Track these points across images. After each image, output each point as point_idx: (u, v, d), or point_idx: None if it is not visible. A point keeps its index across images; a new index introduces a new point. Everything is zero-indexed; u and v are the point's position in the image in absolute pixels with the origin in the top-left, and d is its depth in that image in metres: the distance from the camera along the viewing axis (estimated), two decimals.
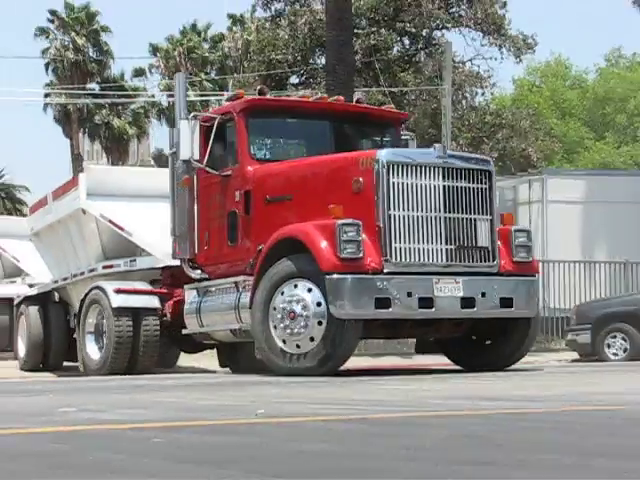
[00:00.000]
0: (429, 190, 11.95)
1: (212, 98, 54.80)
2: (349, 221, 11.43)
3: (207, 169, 13.34)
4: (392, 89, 36.71)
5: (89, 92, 69.13)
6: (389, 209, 11.67)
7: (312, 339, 11.53)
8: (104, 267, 16.39)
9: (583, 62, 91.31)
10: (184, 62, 63.89)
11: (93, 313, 15.52)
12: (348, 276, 11.35)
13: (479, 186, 12.35)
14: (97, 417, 7.21)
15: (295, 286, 11.68)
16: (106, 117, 70.87)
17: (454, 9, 38.69)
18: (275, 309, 11.81)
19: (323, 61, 34.37)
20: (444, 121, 32.55)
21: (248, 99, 13.79)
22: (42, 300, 19.19)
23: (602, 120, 57.18)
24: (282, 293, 11.74)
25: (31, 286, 22.98)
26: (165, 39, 66.50)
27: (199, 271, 13.86)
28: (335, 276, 11.32)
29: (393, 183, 11.75)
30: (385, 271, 11.47)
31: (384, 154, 12.03)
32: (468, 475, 4.20)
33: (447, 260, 11.99)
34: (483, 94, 41.60)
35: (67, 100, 66.66)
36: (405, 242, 11.69)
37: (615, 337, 21.99)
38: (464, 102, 39.98)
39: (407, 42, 39.85)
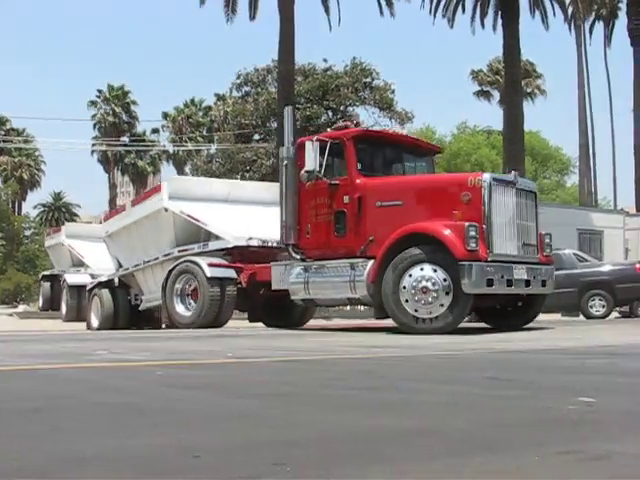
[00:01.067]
0: (509, 203, 11.64)
1: (203, 148, 54.30)
2: (472, 223, 10.94)
3: (324, 178, 12.43)
4: None
5: (122, 143, 68.84)
6: (490, 216, 11.24)
7: (442, 305, 10.92)
8: (179, 251, 15.31)
9: (443, 129, 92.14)
10: (185, 124, 63.51)
11: (181, 281, 14.62)
12: (473, 263, 10.86)
13: (531, 202, 12.15)
14: (121, 357, 7.08)
15: (422, 269, 11.01)
16: (133, 159, 70.94)
17: (361, 93, 38.83)
18: (405, 287, 11.09)
19: (275, 125, 34.19)
20: None
21: (357, 130, 13.09)
22: (109, 285, 18.32)
23: (455, 167, 57.59)
24: (410, 275, 11.06)
25: (93, 276, 22.16)
26: (173, 108, 66.12)
27: (297, 254, 12.96)
28: (465, 262, 10.80)
29: (492, 197, 11.30)
30: (489, 260, 11.05)
31: (488, 177, 11.51)
32: (361, 396, 4.14)
33: (518, 253, 11.69)
34: None
35: (107, 148, 66.16)
36: (498, 239, 11.31)
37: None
38: None
39: (330, 114, 39.89)
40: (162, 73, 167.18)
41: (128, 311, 18.02)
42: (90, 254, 26.03)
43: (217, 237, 14.94)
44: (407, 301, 11.10)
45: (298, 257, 12.95)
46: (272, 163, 34.08)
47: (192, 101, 66.76)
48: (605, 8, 39.05)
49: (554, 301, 19.64)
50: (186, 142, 63.26)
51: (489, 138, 57.98)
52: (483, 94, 55.85)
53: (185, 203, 15.44)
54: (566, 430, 3.15)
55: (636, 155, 36.86)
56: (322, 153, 12.41)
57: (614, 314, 21.02)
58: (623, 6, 38.57)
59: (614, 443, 2.89)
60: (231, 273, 14.31)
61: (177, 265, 14.74)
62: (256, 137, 41.50)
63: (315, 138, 12.54)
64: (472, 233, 10.89)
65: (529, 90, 53.36)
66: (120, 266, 18.08)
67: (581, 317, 20.21)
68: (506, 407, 3.77)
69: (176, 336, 11.58)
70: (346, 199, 12.38)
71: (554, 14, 32.93)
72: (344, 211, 12.39)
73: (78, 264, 27.66)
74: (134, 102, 71.83)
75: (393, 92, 38.91)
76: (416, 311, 11.06)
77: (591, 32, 43.93)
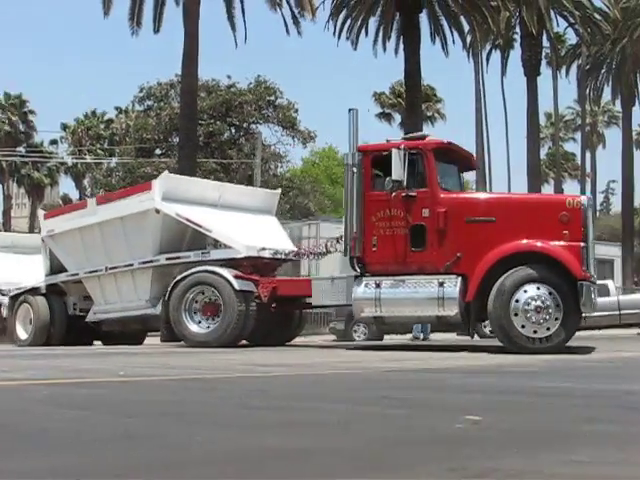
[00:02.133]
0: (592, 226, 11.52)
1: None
2: (585, 245, 10.82)
3: (408, 190, 11.62)
4: (222, 161, 36.60)
5: (18, 153, 66.85)
6: (587, 236, 11.02)
7: (554, 324, 10.58)
8: (168, 258, 13.87)
9: (346, 149, 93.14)
10: (85, 136, 62.21)
11: (192, 293, 13.06)
12: (589, 283, 10.73)
13: None
14: (6, 375, 6.81)
15: (536, 288, 10.66)
16: (29, 171, 68.92)
17: (264, 111, 38.90)
18: (518, 301, 10.67)
19: (177, 140, 33.84)
20: (255, 184, 32.46)
21: (437, 141, 12.22)
22: (46, 291, 16.06)
23: None
24: (525, 291, 10.68)
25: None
26: (73, 120, 64.62)
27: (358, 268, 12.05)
28: (584, 282, 10.60)
29: (588, 218, 11.14)
30: (592, 281, 10.96)
31: (585, 199, 11.41)
32: (253, 416, 4.09)
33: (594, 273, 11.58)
34: (282, 167, 41.87)
35: (2, 158, 64.14)
36: (592, 260, 11.13)
37: (359, 326, 22.19)
38: (270, 172, 40.06)
39: (233, 130, 39.79)
40: (63, 83, 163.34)
41: (65, 322, 15.98)
42: None
43: (222, 245, 13.76)
44: (516, 315, 10.74)
45: (358, 271, 12.03)
46: None
47: (93, 113, 65.46)
48: (501, 38, 40.33)
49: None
50: (85, 155, 61.94)
51: None
52: (385, 116, 56.77)
53: (180, 205, 13.97)
54: (453, 448, 3.18)
55: (529, 178, 38.15)
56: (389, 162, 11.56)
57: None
58: (518, 37, 40.06)
59: (498, 460, 2.93)
60: (251, 286, 13.08)
61: (189, 275, 13.20)
62: (158, 152, 41.00)
63: (402, 146, 11.64)
64: (586, 254, 10.82)
65: (429, 114, 54.59)
66: (55, 271, 16.01)
67: (475, 337, 20.64)
68: (397, 426, 3.79)
69: (74, 353, 11.24)
70: (426, 212, 11.65)
71: (453, 41, 33.82)
72: (423, 225, 11.63)
73: None
74: (32, 112, 69.81)
75: (297, 111, 39.22)
76: (522, 327, 10.74)
77: (488, 60, 45.42)
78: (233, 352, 11.94)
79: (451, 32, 33.22)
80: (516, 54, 40.43)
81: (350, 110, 12.45)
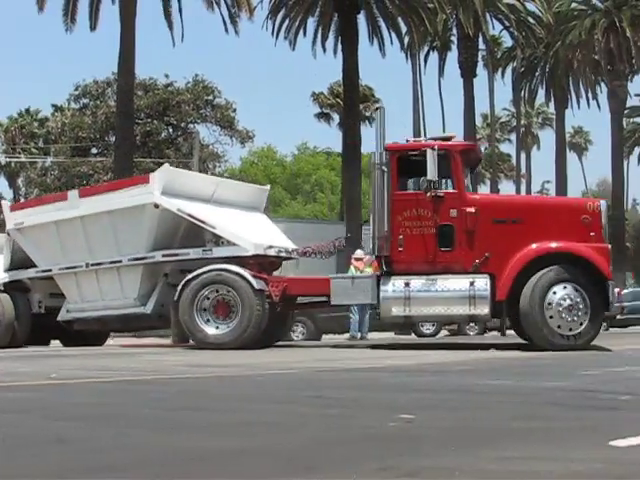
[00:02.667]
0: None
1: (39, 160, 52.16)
2: (610, 247, 11.46)
3: (436, 190, 11.70)
4: (160, 160, 36.20)
5: None
6: (607, 237, 11.58)
7: (583, 322, 11.02)
8: (165, 255, 13.19)
9: (285, 149, 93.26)
10: (18, 134, 60.94)
11: (204, 292, 12.43)
12: (614, 284, 11.49)
13: None
14: None
15: (564, 287, 11.11)
16: None
17: (202, 111, 38.65)
18: (550, 305, 11.04)
19: (114, 139, 33.38)
20: None
21: (464, 143, 12.55)
22: (11, 287, 14.86)
23: (295, 187, 58.34)
24: (554, 293, 11.07)
25: None
26: (6, 117, 63.20)
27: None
28: (610, 282, 11.19)
29: (605, 221, 11.64)
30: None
31: (604, 203, 11.95)
32: (187, 417, 4.05)
33: None
34: (220, 167, 41.62)
35: None
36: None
37: (297, 326, 21.83)
38: (208, 171, 39.78)
39: (171, 130, 39.44)
40: None
41: (29, 320, 14.95)
42: None
43: (224, 242, 13.13)
44: (552, 318, 11.08)
45: (385, 270, 11.97)
46: (110, 177, 33.19)
47: (27, 111, 64.11)
48: (439, 40, 40.78)
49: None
50: (19, 153, 60.64)
51: (329, 159, 59.11)
52: (323, 116, 56.78)
53: (180, 200, 13.29)
54: (386, 447, 3.20)
55: None
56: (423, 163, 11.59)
57: (443, 332, 21.87)
58: (455, 39, 40.56)
59: (429, 458, 2.97)
60: (265, 285, 12.64)
61: (202, 274, 12.57)
62: (94, 151, 40.38)
63: (435, 146, 11.66)
64: (611, 255, 11.41)
65: (367, 114, 54.89)
66: (16, 267, 14.92)
67: (412, 335, 20.87)
68: (330, 426, 3.80)
69: (7, 356, 10.96)
70: (453, 213, 11.74)
71: (391, 42, 34.03)
72: (451, 225, 11.74)
73: None
74: None
75: (235, 111, 38.98)
76: (559, 327, 11.10)
77: (426, 61, 45.82)
78: (173, 353, 11.84)
79: (389, 33, 33.46)
80: (453, 56, 40.96)
81: (377, 109, 12.41)
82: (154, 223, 13.24)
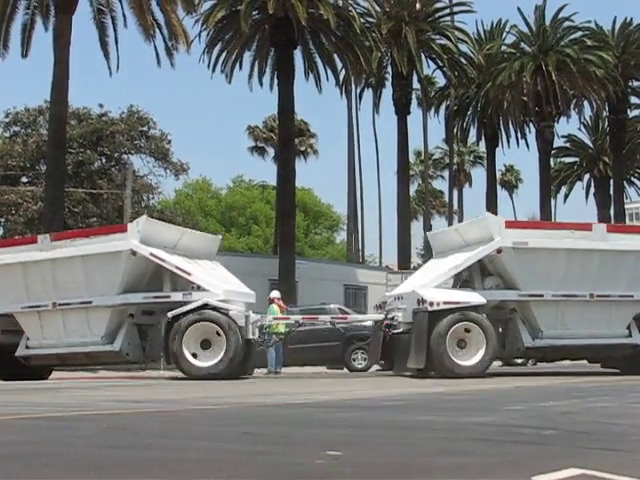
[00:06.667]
0: None
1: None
2: None
3: None
4: (92, 191, 35.82)
5: None
6: None
7: None
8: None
9: (220, 182, 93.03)
10: None
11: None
12: None
13: None
14: None
15: None
16: None
17: (137, 142, 38.33)
18: None
19: (45, 168, 32.82)
20: (125, 215, 31.82)
21: None
22: None
23: (230, 220, 58.09)
24: None
25: None
26: None
27: None
28: None
29: None
30: None
31: None
32: (111, 455, 3.96)
33: None
34: (153, 198, 41.23)
35: None
36: None
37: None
38: (142, 203, 39.36)
39: (104, 160, 38.96)
40: None
41: None
42: None
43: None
44: None
45: None
46: (39, 207, 32.57)
47: None
48: (374, 77, 41.34)
49: (319, 354, 20.36)
50: None
51: (263, 193, 59.10)
52: (258, 150, 56.96)
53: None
54: None
55: (399, 213, 39.08)
56: None
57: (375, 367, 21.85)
58: (390, 77, 41.17)
59: None
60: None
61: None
62: (24, 179, 39.59)
63: None
64: None
65: (302, 148, 55.18)
66: None
67: (345, 370, 20.83)
68: (258, 463, 3.76)
69: None
70: None
71: (327, 78, 34.40)
72: None
73: None
74: None
75: (169, 142, 38.72)
76: None
77: (361, 98, 46.32)
78: (98, 388, 11.60)
79: (325, 69, 33.85)
80: (388, 93, 41.51)
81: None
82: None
